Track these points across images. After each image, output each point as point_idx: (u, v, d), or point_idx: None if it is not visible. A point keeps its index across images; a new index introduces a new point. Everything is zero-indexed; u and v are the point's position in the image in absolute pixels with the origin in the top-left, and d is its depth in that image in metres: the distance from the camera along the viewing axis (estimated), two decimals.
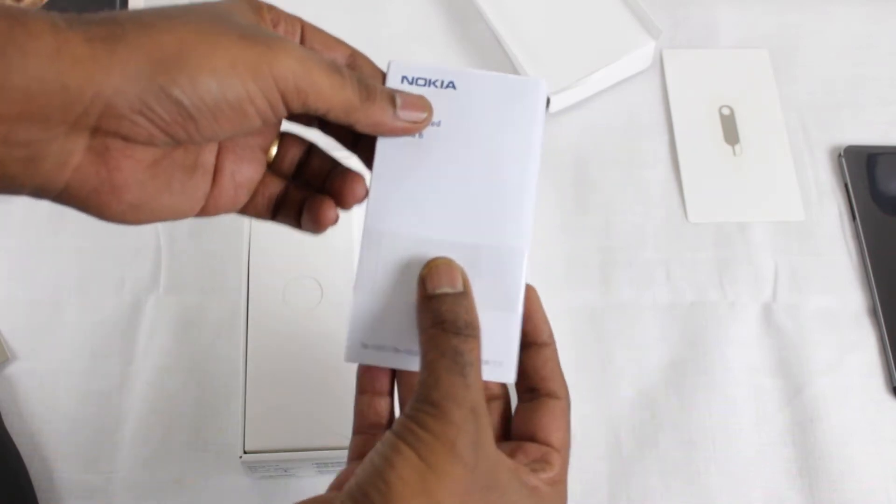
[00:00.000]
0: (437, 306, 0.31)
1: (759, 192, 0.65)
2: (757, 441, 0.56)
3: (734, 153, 0.67)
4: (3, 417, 0.54)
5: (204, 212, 0.34)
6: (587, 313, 0.60)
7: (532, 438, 0.34)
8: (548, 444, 0.34)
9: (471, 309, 0.32)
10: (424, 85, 0.35)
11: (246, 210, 0.37)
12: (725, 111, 0.68)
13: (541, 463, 0.33)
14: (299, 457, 0.49)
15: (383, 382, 0.35)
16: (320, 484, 0.53)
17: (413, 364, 0.34)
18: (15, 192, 0.29)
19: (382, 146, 0.35)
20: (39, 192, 0.29)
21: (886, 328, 0.60)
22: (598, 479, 0.55)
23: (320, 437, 0.49)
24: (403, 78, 0.35)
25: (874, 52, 0.71)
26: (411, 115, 0.34)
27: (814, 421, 0.57)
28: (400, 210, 0.34)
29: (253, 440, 0.49)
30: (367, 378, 0.35)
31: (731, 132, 0.67)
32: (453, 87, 0.35)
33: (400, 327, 0.34)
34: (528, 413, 0.35)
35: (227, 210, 0.35)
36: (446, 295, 0.32)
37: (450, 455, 0.28)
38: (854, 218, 0.64)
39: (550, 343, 0.35)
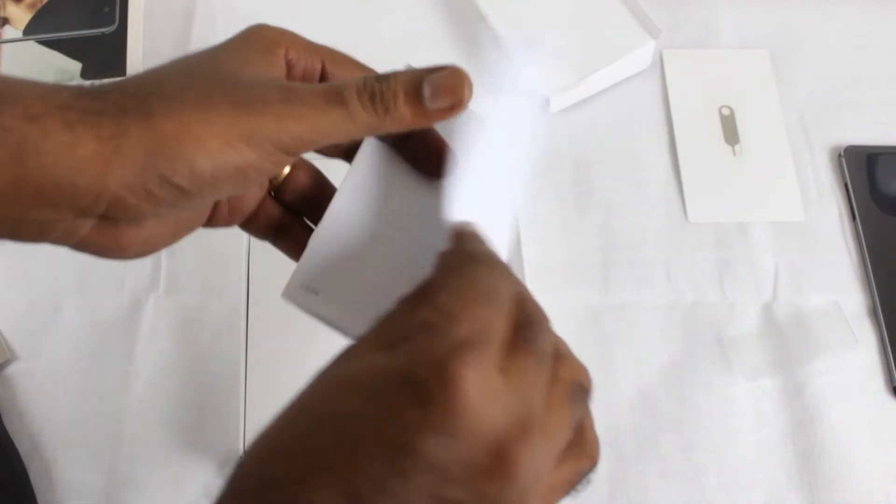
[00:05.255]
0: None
1: (759, 192, 0.65)
2: (757, 441, 0.56)
3: (734, 153, 0.66)
4: (3, 417, 0.54)
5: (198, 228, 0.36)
6: (587, 313, 0.60)
7: None
8: None
9: None
10: None
11: (247, 228, 0.38)
12: (725, 111, 0.68)
13: None
14: None
15: None
16: None
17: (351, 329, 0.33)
18: None
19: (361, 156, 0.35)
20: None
21: (886, 328, 0.60)
22: (598, 479, 0.55)
23: None
24: None
25: (874, 52, 0.71)
26: (444, 101, 0.31)
27: (814, 421, 0.57)
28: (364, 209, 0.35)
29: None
30: None
31: (731, 132, 0.67)
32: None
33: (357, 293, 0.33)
34: None
35: (221, 226, 0.37)
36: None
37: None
38: (854, 218, 0.64)
39: None
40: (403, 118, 0.31)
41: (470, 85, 0.31)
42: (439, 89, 0.31)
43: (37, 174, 0.28)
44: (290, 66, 0.33)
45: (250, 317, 0.52)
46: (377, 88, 0.30)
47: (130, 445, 0.54)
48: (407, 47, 0.69)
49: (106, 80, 0.31)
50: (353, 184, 0.35)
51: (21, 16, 0.68)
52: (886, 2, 0.73)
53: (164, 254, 0.60)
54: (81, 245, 0.31)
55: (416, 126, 0.32)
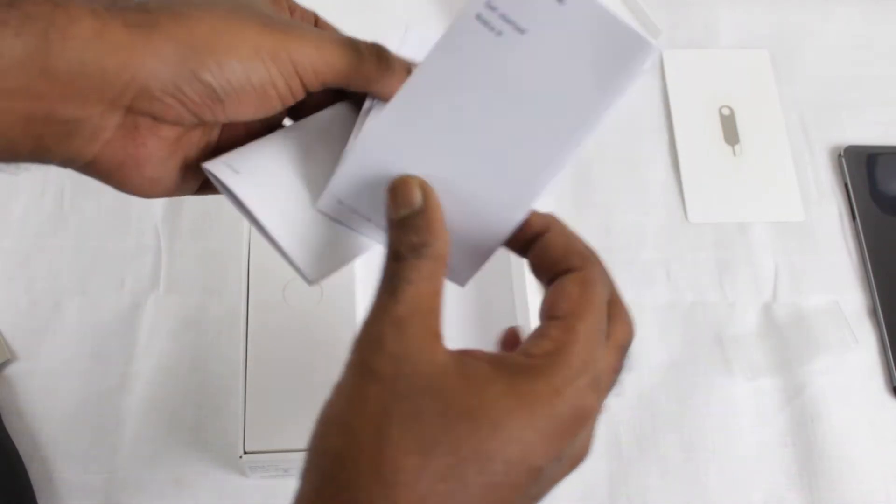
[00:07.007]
0: (391, 234, 0.31)
1: (759, 192, 0.65)
2: (757, 441, 0.56)
3: (734, 153, 0.67)
4: (3, 417, 0.54)
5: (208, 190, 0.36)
6: None
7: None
8: (550, 318, 0.30)
9: (421, 229, 0.30)
10: None
11: None
12: (725, 111, 0.68)
13: (534, 339, 0.29)
14: (299, 457, 0.49)
15: None
16: None
17: (375, 239, 0.34)
18: (43, 163, 0.31)
19: (449, 36, 0.31)
20: (67, 162, 0.31)
21: (886, 328, 0.60)
22: (598, 479, 0.55)
23: None
24: None
25: (874, 52, 0.71)
26: None
27: (814, 421, 0.57)
28: (428, 113, 0.32)
29: (253, 440, 0.49)
30: None
31: (731, 132, 0.67)
32: (561, 1, 0.30)
33: (379, 201, 0.32)
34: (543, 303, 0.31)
35: None
36: (402, 219, 0.30)
37: (360, 375, 0.28)
38: (854, 218, 0.64)
39: (552, 227, 0.33)
40: (399, 81, 0.33)
41: None
42: None
43: (64, 61, 0.28)
44: (290, 13, 0.35)
45: (250, 317, 0.52)
46: (383, 52, 0.34)
47: (130, 445, 0.54)
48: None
49: None
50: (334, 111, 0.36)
51: None
52: (886, 2, 0.73)
53: (164, 254, 0.60)
54: (101, 157, 0.31)
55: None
